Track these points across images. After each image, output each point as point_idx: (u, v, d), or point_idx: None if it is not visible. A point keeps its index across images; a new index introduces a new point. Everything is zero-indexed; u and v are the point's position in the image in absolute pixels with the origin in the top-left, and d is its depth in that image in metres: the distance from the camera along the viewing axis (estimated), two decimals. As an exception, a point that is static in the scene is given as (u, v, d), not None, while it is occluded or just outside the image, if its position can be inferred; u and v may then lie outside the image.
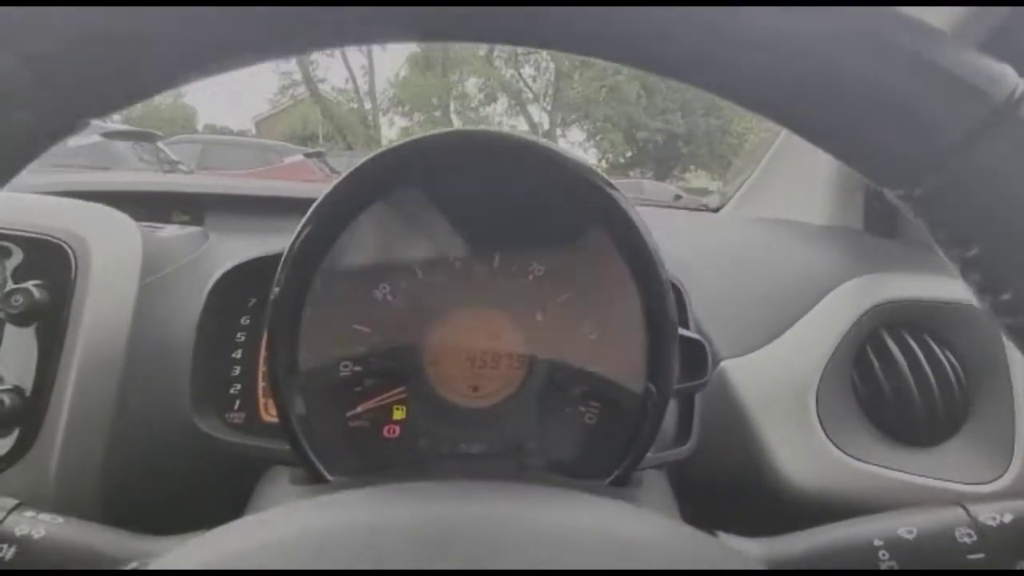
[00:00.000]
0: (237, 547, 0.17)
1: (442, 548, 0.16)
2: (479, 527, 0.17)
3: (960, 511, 0.30)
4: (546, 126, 18.31)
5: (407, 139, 0.37)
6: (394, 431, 0.42)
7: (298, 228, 0.37)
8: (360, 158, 0.38)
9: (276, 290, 0.37)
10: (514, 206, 0.42)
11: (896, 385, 0.52)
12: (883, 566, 0.29)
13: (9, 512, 0.27)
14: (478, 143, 0.38)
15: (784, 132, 0.89)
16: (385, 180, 0.39)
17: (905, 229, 0.73)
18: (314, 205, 0.37)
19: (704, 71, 0.19)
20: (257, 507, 0.36)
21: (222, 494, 0.40)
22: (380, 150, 0.37)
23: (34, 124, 0.19)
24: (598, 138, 18.55)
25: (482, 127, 0.39)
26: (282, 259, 0.37)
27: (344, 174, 0.37)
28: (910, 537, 0.29)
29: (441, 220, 0.44)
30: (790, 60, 0.17)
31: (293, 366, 0.39)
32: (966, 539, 0.28)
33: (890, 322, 0.54)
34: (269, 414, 0.43)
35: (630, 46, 0.18)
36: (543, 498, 0.19)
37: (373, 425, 0.42)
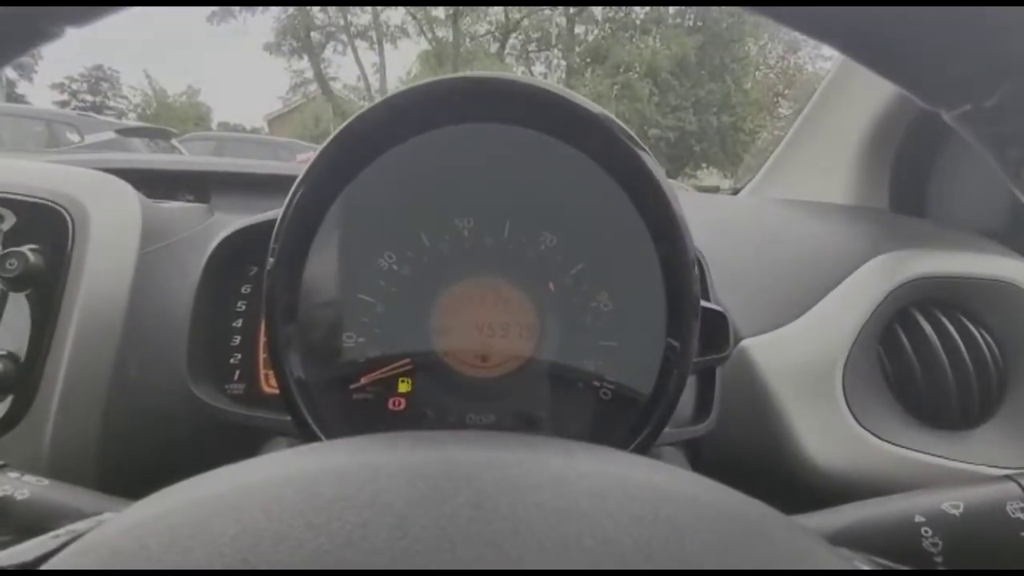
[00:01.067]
0: (213, 491, 0.15)
1: (450, 489, 0.14)
2: (490, 466, 0.15)
3: (1012, 485, 0.27)
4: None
5: (406, 87, 0.35)
6: (399, 403, 0.40)
7: (292, 189, 0.35)
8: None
9: (271, 260, 0.35)
10: (527, 167, 0.40)
11: (928, 365, 0.50)
12: (926, 544, 0.27)
13: (-9, 471, 0.26)
14: (487, 90, 0.36)
15: (802, 117, 0.86)
16: (384, 134, 0.36)
17: (933, 208, 0.70)
18: (308, 164, 0.35)
19: None
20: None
21: (220, 465, 0.39)
22: (377, 101, 0.35)
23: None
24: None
25: (491, 72, 0.35)
26: (276, 224, 0.35)
27: (339, 129, 0.35)
28: (956, 513, 0.27)
29: (448, 185, 0.42)
30: None
31: (292, 335, 0.37)
32: (1020, 514, 0.26)
33: (921, 300, 0.51)
34: (270, 386, 0.41)
35: None
36: (560, 446, 0.17)
37: (378, 398, 0.40)
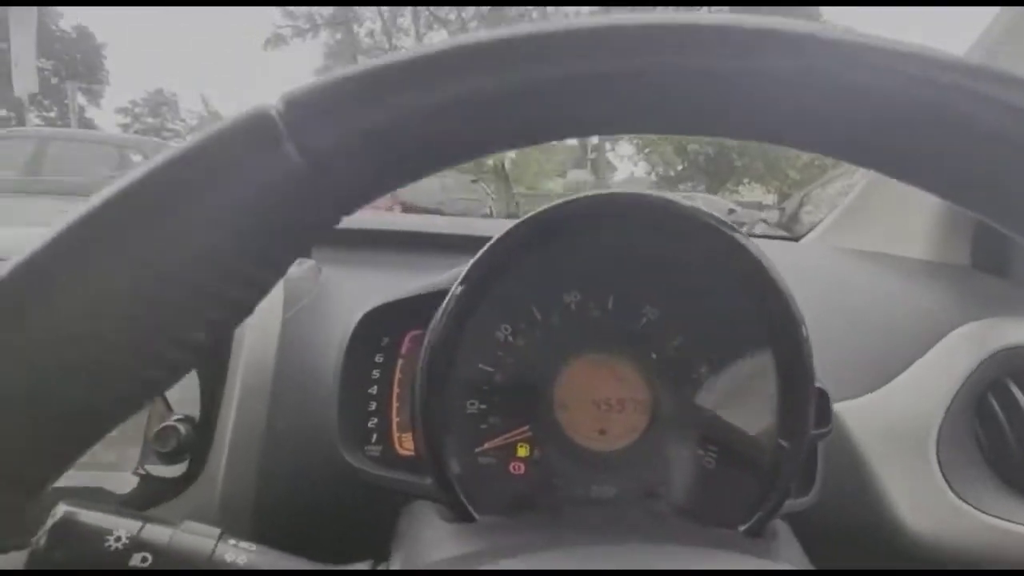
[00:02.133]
0: None
1: None
2: None
3: None
4: (595, 140, 18.24)
5: (560, 202, 0.40)
6: (520, 468, 0.44)
7: (458, 281, 0.39)
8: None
9: (434, 335, 0.39)
10: (631, 253, 0.44)
11: (1022, 436, 0.50)
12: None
13: (218, 540, 0.30)
14: (613, 205, 0.41)
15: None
16: (535, 239, 0.41)
17: (1018, 267, 0.70)
18: (474, 259, 0.39)
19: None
20: (406, 539, 0.39)
21: (365, 523, 0.43)
22: (532, 214, 0.40)
23: (305, 220, 0.21)
24: (647, 151, 18.33)
25: (608, 190, 0.43)
26: (443, 307, 0.39)
27: (497, 236, 0.40)
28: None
29: (555, 261, 0.46)
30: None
31: (443, 405, 0.41)
32: None
33: (1015, 370, 0.52)
34: (404, 448, 0.46)
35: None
36: (719, 559, 0.20)
37: (499, 462, 0.44)
